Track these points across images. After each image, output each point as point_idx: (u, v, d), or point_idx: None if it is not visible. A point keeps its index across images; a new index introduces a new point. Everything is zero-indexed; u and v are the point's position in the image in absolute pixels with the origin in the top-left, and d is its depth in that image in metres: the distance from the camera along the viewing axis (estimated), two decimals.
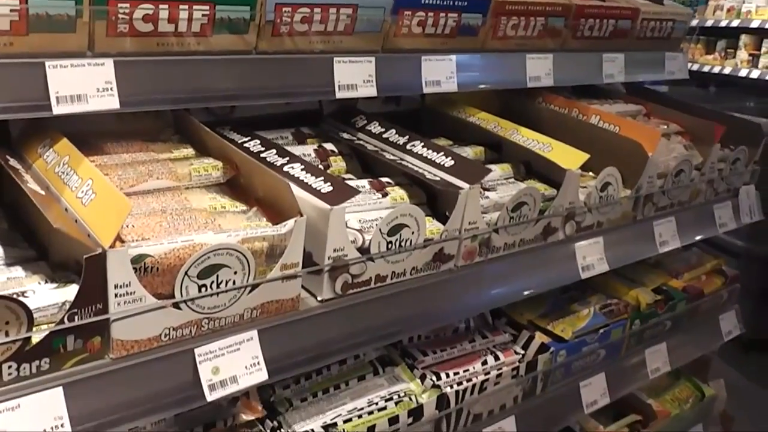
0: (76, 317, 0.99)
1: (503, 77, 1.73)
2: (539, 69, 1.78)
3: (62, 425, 0.98)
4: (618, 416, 2.31)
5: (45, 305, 0.99)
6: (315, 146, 1.56)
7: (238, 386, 1.14)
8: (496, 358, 1.69)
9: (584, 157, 1.62)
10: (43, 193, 1.15)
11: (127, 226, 1.09)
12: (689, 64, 2.30)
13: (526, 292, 1.61)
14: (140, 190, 1.21)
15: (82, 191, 1.09)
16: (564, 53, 1.81)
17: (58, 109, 1.08)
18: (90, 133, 1.31)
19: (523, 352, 1.75)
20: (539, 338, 1.77)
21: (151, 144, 1.36)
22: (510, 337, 1.79)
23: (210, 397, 1.12)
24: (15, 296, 0.96)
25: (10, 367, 0.96)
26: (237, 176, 1.32)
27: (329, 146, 1.57)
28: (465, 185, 1.40)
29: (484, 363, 1.66)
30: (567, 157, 1.63)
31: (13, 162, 1.22)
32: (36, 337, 0.97)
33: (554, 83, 1.81)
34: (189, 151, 1.36)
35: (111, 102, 1.14)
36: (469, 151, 1.70)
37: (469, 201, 1.41)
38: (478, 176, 1.44)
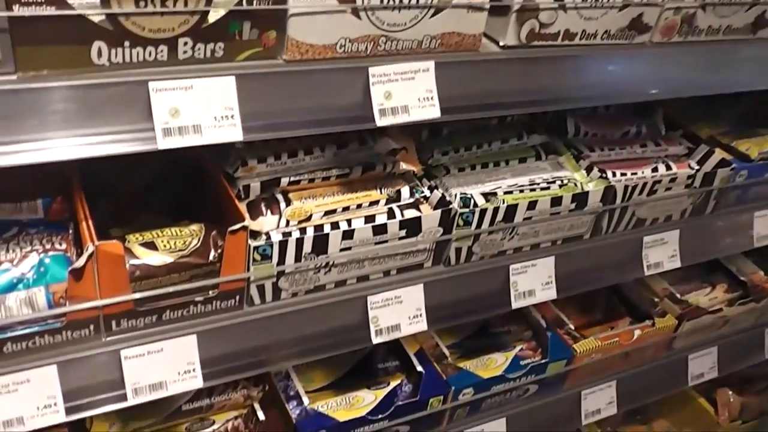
0: (254, 1, 0.91)
1: None
2: None
3: (232, 116, 0.94)
4: None
5: None
6: None
7: (409, 117, 1.06)
8: (668, 167, 1.53)
9: None
10: None
11: None
12: None
13: (720, 90, 1.42)
14: None
15: None
16: None
17: None
18: None
19: (698, 167, 1.58)
20: (719, 154, 1.59)
21: None
22: (685, 150, 1.62)
23: (380, 121, 1.04)
24: None
25: (185, 44, 0.91)
26: None
27: None
28: None
29: (655, 170, 1.52)
30: None
31: None
32: (214, 16, 0.90)
33: None
34: None
35: None
36: None
37: None
38: None
